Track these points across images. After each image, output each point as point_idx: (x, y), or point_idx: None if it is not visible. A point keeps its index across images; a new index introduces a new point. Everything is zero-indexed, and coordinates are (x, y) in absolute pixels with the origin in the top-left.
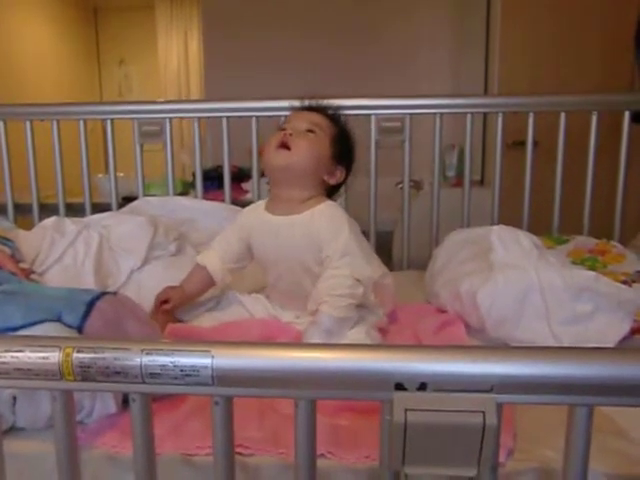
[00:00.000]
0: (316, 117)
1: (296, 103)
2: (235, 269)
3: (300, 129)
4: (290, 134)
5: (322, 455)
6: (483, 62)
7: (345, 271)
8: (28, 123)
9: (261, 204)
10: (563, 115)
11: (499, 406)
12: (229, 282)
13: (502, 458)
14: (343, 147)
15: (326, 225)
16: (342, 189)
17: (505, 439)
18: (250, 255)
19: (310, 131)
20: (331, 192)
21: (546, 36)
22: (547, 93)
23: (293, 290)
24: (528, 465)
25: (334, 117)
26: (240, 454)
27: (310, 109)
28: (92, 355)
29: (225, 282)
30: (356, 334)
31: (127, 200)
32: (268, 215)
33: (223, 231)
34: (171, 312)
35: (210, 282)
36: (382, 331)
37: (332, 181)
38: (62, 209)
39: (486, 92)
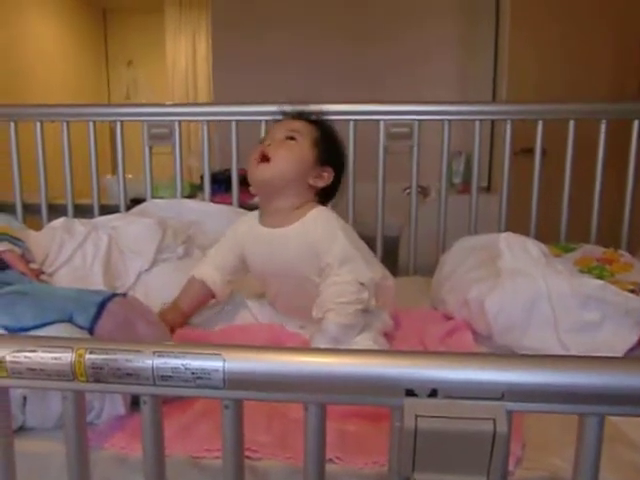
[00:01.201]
0: (296, 124)
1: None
2: (234, 282)
3: (279, 138)
4: (268, 145)
5: (330, 460)
6: (492, 69)
7: (348, 277)
8: (38, 124)
9: (254, 216)
10: (572, 123)
11: (509, 414)
12: (229, 293)
13: (511, 467)
14: (327, 148)
15: (321, 233)
16: (338, 195)
17: (514, 448)
18: (245, 268)
19: (290, 138)
20: (325, 196)
21: (555, 43)
22: (556, 101)
23: (294, 301)
24: (537, 474)
25: (315, 121)
26: (248, 458)
27: (292, 117)
28: (104, 356)
29: (225, 295)
30: (363, 341)
31: (135, 202)
32: (261, 228)
33: (216, 244)
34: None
35: (207, 296)
36: (387, 336)
37: (320, 184)
38: (71, 210)
39: (494, 99)
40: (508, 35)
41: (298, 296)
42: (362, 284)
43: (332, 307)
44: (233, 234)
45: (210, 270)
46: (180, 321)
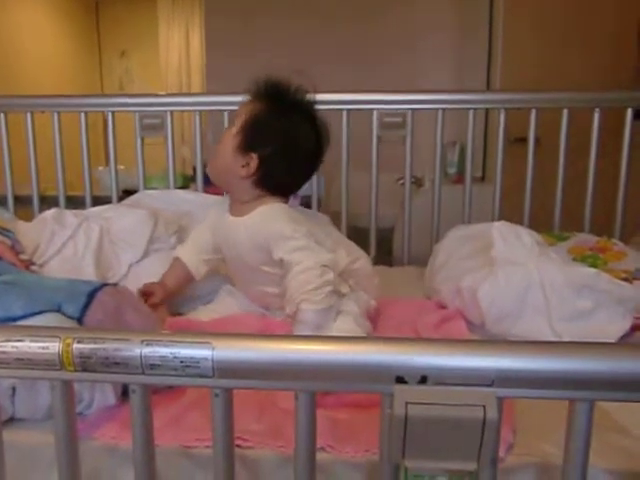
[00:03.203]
0: (244, 105)
1: None
2: (212, 260)
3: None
4: None
5: (321, 449)
6: (486, 56)
7: (309, 263)
8: (29, 115)
9: (226, 200)
10: (565, 112)
11: (500, 400)
12: (204, 273)
13: (502, 453)
14: (253, 131)
15: (268, 229)
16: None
17: (505, 434)
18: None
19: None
20: (276, 188)
21: (550, 31)
22: (549, 89)
23: (253, 289)
24: (528, 460)
25: (258, 95)
26: (239, 447)
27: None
28: (92, 345)
29: (200, 273)
30: (344, 324)
31: (127, 193)
32: (227, 213)
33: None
34: (160, 306)
35: (188, 274)
36: (379, 323)
37: (243, 173)
38: (62, 201)
39: (488, 87)
40: (502, 21)
41: (255, 284)
42: (324, 266)
43: (304, 297)
44: (210, 214)
45: (186, 247)
46: (162, 293)
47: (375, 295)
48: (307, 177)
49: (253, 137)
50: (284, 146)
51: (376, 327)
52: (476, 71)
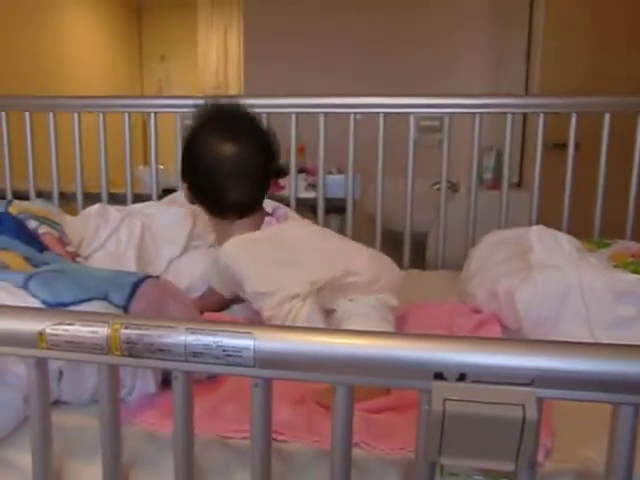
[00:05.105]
0: None
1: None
2: None
3: None
4: None
5: (356, 444)
6: (524, 65)
7: (267, 312)
8: (76, 115)
9: None
10: (607, 116)
11: (539, 400)
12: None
13: (540, 458)
14: (182, 162)
15: (232, 271)
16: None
17: (543, 439)
18: None
19: None
20: (231, 211)
21: (589, 39)
22: (590, 93)
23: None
24: (567, 466)
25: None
26: (274, 440)
27: None
28: (139, 332)
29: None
30: (362, 325)
31: (167, 192)
32: None
33: None
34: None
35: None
36: (406, 321)
37: (189, 202)
38: (105, 198)
39: (527, 86)
40: (542, 32)
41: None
42: (277, 305)
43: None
44: None
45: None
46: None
47: (394, 292)
48: (256, 191)
49: (183, 166)
50: (201, 168)
51: (409, 328)
52: (515, 84)
